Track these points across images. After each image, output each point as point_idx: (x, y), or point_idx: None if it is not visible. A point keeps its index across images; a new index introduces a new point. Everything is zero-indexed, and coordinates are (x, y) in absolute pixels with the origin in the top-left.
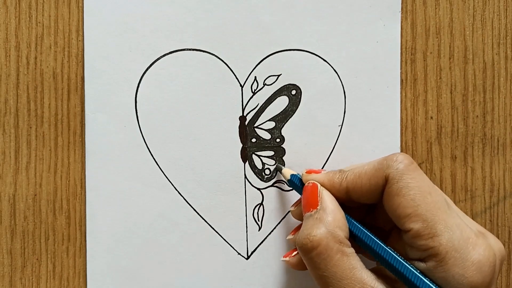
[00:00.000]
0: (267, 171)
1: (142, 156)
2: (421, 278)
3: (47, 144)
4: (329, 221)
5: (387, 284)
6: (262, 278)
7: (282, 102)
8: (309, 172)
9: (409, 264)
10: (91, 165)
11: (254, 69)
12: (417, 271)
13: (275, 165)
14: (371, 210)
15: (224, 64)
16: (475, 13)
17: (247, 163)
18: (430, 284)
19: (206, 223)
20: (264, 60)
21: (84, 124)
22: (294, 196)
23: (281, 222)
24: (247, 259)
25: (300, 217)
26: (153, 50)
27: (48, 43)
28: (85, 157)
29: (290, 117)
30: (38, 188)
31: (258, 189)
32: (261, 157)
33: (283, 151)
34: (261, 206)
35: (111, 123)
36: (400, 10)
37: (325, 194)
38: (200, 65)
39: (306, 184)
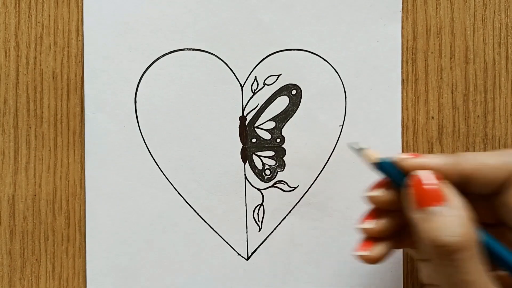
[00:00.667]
0: (267, 172)
1: (142, 156)
2: None
3: (47, 144)
4: (468, 219)
5: None
6: (262, 279)
7: (282, 102)
8: (415, 155)
9: None
10: (91, 165)
11: (254, 69)
12: None
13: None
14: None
15: (224, 64)
16: (476, 12)
17: (247, 163)
18: None
19: (206, 223)
20: (264, 60)
21: (84, 124)
22: (295, 196)
23: (281, 223)
24: (247, 260)
25: (385, 204)
26: (153, 50)
27: (47, 43)
28: (84, 157)
29: (291, 117)
30: (37, 188)
31: (258, 189)
32: (261, 158)
33: (283, 151)
34: (261, 206)
35: (111, 123)
36: (400, 9)
37: (451, 188)
38: (200, 65)
39: (422, 173)
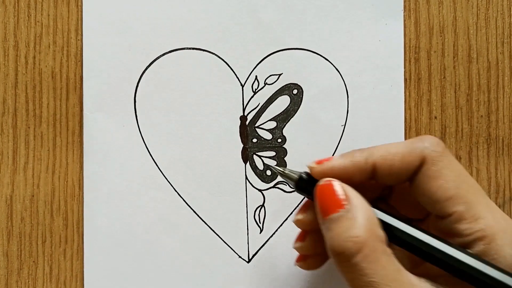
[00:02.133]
0: (268, 172)
1: (141, 157)
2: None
3: (46, 144)
4: (367, 219)
5: (431, 283)
6: (263, 281)
7: (283, 102)
8: (319, 162)
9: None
10: (89, 166)
11: (255, 68)
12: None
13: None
14: (386, 199)
15: (225, 63)
16: (478, 11)
17: (248, 163)
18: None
19: (206, 225)
20: (265, 59)
21: (83, 124)
22: (297, 196)
23: (283, 224)
24: (248, 262)
25: (309, 226)
26: (153, 49)
27: (47, 42)
28: (83, 157)
29: (292, 117)
30: (35, 189)
31: (259, 190)
32: (262, 158)
33: (284, 152)
34: (263, 207)
35: (110, 123)
36: (402, 8)
37: (350, 190)
38: (200, 64)
39: (321, 183)
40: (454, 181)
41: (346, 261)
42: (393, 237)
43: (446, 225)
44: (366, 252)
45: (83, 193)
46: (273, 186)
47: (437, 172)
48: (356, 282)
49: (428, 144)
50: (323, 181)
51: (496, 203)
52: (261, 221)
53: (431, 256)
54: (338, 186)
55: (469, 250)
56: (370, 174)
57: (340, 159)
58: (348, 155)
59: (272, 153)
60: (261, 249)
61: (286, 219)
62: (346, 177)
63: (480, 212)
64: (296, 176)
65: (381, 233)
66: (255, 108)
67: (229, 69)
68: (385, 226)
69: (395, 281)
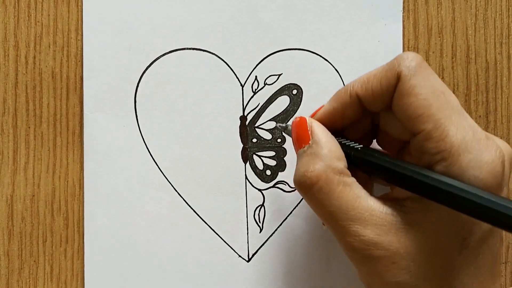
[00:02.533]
0: (268, 172)
1: (142, 157)
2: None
3: (46, 144)
4: (325, 153)
5: (395, 207)
6: (263, 281)
7: (283, 102)
8: (313, 114)
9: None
10: (90, 166)
11: (254, 68)
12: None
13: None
14: (374, 137)
15: (225, 64)
16: (477, 12)
17: (247, 163)
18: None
19: (206, 224)
20: (265, 60)
21: (83, 124)
22: (296, 197)
23: (282, 224)
24: (248, 261)
25: None
26: (153, 50)
27: (47, 42)
28: (83, 157)
29: (292, 117)
30: (36, 188)
31: (259, 190)
32: (262, 158)
33: (284, 152)
34: (262, 207)
35: (110, 123)
36: (401, 9)
37: (316, 126)
38: (200, 64)
39: (293, 120)
40: (426, 99)
41: (305, 193)
42: (357, 165)
43: (417, 143)
44: (321, 185)
45: (83, 192)
46: (273, 186)
47: (409, 89)
48: (317, 212)
49: (403, 61)
50: (296, 118)
51: None
52: (261, 221)
53: (391, 177)
54: (305, 123)
55: (429, 169)
56: (358, 106)
57: (328, 104)
58: (333, 97)
59: (272, 153)
60: (261, 248)
61: (286, 218)
62: (339, 118)
63: (448, 131)
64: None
65: (339, 166)
66: (255, 108)
67: (229, 69)
68: (348, 156)
69: (353, 209)
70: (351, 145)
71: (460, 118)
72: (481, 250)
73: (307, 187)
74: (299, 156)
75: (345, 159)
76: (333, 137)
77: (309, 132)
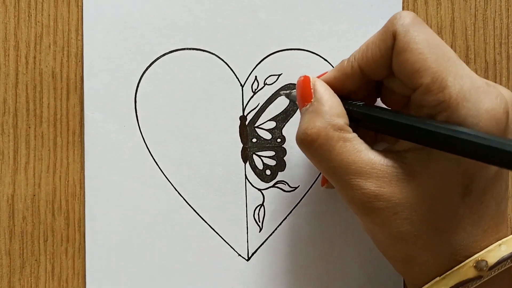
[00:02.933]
0: (268, 172)
1: (142, 156)
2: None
3: (46, 144)
4: (326, 110)
5: (396, 159)
6: (262, 279)
7: (283, 102)
8: (318, 77)
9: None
10: (90, 165)
11: (254, 68)
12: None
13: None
14: (378, 95)
15: (224, 64)
16: (476, 12)
17: (247, 163)
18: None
19: (206, 224)
20: (265, 60)
21: (83, 124)
22: (296, 196)
23: (282, 223)
24: (247, 260)
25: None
26: (153, 50)
27: (47, 42)
28: (84, 157)
29: (291, 117)
30: (37, 188)
31: (259, 189)
32: (261, 157)
33: (284, 151)
34: (262, 207)
35: (111, 123)
36: (401, 9)
37: (318, 85)
38: (200, 64)
39: (298, 79)
40: (421, 53)
41: (307, 150)
42: (359, 121)
43: (417, 98)
44: (320, 141)
45: (84, 192)
46: (273, 186)
47: (405, 45)
48: (319, 168)
49: (397, 20)
50: (300, 76)
51: None
52: (261, 220)
53: (391, 129)
54: (308, 81)
55: (427, 118)
56: (360, 75)
57: (331, 72)
58: (337, 66)
59: (272, 153)
60: (261, 247)
61: (286, 218)
62: (341, 85)
63: (447, 82)
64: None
65: (340, 122)
66: (254, 108)
67: (229, 69)
68: (350, 113)
69: (354, 163)
70: (352, 102)
71: (457, 68)
72: (484, 198)
73: (308, 144)
74: (302, 114)
75: (346, 116)
76: (335, 95)
77: (312, 90)
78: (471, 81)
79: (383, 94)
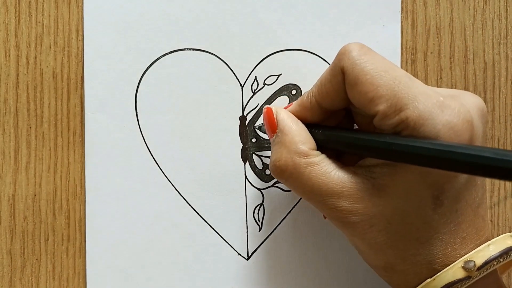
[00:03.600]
0: (267, 171)
1: (142, 156)
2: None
3: (47, 144)
4: (289, 140)
5: (366, 174)
6: (262, 278)
7: (282, 102)
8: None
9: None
10: (91, 165)
11: (254, 69)
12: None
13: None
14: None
15: (224, 64)
16: (475, 13)
17: (247, 163)
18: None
19: (206, 223)
20: (264, 60)
21: (84, 124)
22: (295, 196)
23: (281, 223)
24: (247, 259)
25: None
26: (153, 50)
27: (48, 42)
28: (84, 157)
29: None
30: (37, 188)
31: (259, 189)
32: (261, 157)
33: None
34: (262, 206)
35: (111, 123)
36: (400, 10)
37: (280, 114)
38: (200, 65)
39: (263, 110)
40: (372, 84)
41: (279, 179)
42: (325, 142)
43: (376, 122)
44: (290, 171)
45: (84, 192)
46: (272, 185)
47: (354, 79)
48: (296, 192)
49: (343, 55)
50: (264, 108)
51: (491, 202)
52: (260, 220)
53: (353, 148)
54: (271, 113)
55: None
56: (319, 108)
57: (294, 105)
58: (298, 100)
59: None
60: (260, 246)
61: (285, 217)
62: (303, 118)
63: (402, 104)
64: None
65: (304, 148)
66: (254, 108)
67: (229, 69)
68: (316, 136)
69: (325, 185)
70: (312, 130)
71: (410, 89)
72: (458, 207)
73: (279, 174)
74: (271, 145)
75: (311, 140)
76: (298, 122)
77: (275, 122)
78: (425, 99)
79: (355, 119)
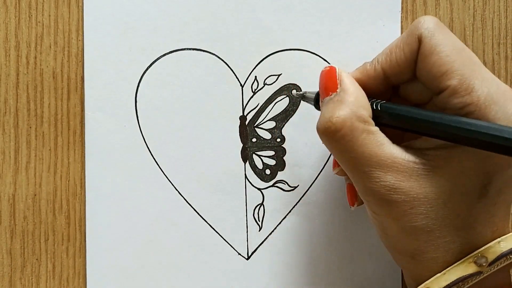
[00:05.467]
0: (267, 171)
1: (142, 156)
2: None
3: (47, 144)
4: (352, 101)
5: (417, 155)
6: (262, 278)
7: (282, 102)
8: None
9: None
10: (91, 165)
11: (254, 68)
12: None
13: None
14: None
15: (224, 64)
16: (475, 13)
17: (247, 163)
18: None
19: (206, 223)
20: (265, 60)
21: (84, 124)
22: (295, 196)
23: (281, 222)
24: (247, 259)
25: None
26: (153, 50)
27: (48, 42)
28: (84, 157)
29: (291, 116)
30: (37, 188)
31: (259, 189)
32: (261, 157)
33: (283, 151)
34: (262, 206)
35: (111, 123)
36: (400, 10)
37: (345, 76)
38: (200, 64)
39: (322, 69)
40: (448, 56)
41: (329, 139)
42: (383, 117)
43: (442, 101)
44: (345, 131)
45: (84, 192)
46: (272, 185)
47: (431, 48)
48: (339, 158)
49: (421, 24)
50: (326, 67)
51: None
52: (260, 219)
53: (416, 125)
54: (335, 72)
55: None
56: (382, 78)
57: (353, 72)
58: (359, 68)
59: (271, 153)
60: (260, 246)
61: (285, 217)
62: (362, 87)
63: (474, 85)
64: (314, 94)
65: (365, 114)
66: (254, 108)
67: (229, 69)
68: (375, 109)
69: (376, 156)
70: (375, 100)
71: (483, 72)
72: (498, 200)
73: (331, 132)
74: (325, 104)
75: (370, 109)
76: (360, 88)
77: (338, 81)
78: (497, 85)
79: (409, 98)
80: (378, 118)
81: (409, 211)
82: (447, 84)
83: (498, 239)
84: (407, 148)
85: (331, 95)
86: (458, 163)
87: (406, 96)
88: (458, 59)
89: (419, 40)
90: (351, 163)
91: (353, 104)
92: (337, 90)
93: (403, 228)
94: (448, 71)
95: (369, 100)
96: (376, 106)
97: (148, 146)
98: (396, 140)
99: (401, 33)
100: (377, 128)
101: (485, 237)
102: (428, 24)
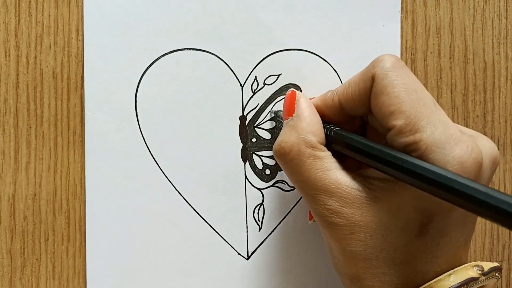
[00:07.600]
0: (267, 171)
1: (142, 156)
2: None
3: (47, 144)
4: (302, 127)
5: (363, 183)
6: (262, 278)
7: (282, 102)
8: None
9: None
10: (91, 165)
11: (254, 68)
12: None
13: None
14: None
15: (224, 64)
16: (475, 12)
17: (247, 163)
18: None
19: (206, 223)
20: (264, 60)
21: (84, 124)
22: (295, 196)
23: (281, 222)
24: (247, 259)
25: None
26: (153, 50)
27: (48, 42)
28: (84, 157)
29: None
30: (37, 188)
31: (259, 189)
32: (261, 157)
33: None
34: (262, 206)
35: (111, 123)
36: (400, 10)
37: (302, 101)
38: (200, 64)
39: (287, 92)
40: (397, 97)
41: (280, 161)
42: (336, 143)
43: (390, 138)
44: (292, 155)
45: (84, 192)
46: (272, 185)
47: (382, 88)
48: (290, 179)
49: (378, 63)
50: (289, 90)
51: None
52: (260, 219)
53: (361, 156)
54: (294, 96)
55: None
56: (339, 108)
57: (316, 99)
58: (322, 95)
59: (271, 153)
60: (260, 246)
61: (285, 217)
62: (321, 114)
63: (419, 126)
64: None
65: (313, 140)
66: (254, 108)
67: (229, 69)
68: (328, 134)
69: (321, 181)
70: (330, 126)
71: (432, 114)
72: (440, 241)
73: (281, 155)
74: (283, 126)
75: (322, 135)
76: (316, 114)
77: (295, 106)
78: (444, 128)
79: (368, 132)
80: (332, 144)
81: (349, 235)
82: (393, 124)
83: (450, 272)
84: (356, 175)
85: (288, 119)
86: (399, 197)
87: (374, 126)
88: (407, 100)
89: (373, 79)
90: (299, 185)
91: (303, 130)
92: (293, 115)
93: (344, 250)
94: (395, 111)
95: (326, 126)
96: (330, 132)
97: (148, 146)
98: (354, 165)
99: (401, 33)
100: (327, 153)
101: (426, 276)
102: (385, 63)
